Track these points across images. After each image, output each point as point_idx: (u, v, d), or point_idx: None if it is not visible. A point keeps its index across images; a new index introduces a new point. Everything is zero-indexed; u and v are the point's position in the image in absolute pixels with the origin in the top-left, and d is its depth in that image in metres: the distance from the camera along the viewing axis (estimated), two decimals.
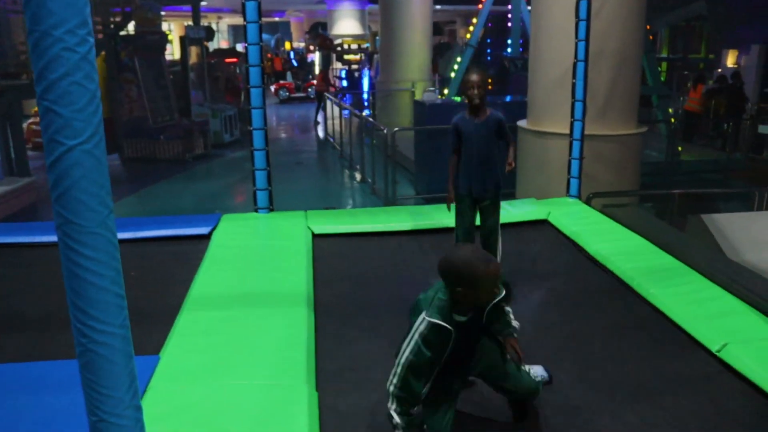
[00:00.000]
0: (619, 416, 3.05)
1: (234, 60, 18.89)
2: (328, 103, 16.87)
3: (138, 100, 14.75)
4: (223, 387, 3.07)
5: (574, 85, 6.01)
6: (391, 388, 2.63)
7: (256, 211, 5.85)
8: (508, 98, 12.57)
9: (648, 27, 13.62)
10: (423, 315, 2.57)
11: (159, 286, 4.46)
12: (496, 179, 4.37)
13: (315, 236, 5.37)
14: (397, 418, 2.64)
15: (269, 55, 33.26)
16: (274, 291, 4.21)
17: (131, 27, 15.32)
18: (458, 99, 12.89)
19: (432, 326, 2.53)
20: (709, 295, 4.06)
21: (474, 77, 4.17)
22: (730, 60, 19.79)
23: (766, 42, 18.96)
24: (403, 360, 2.58)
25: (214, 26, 36.72)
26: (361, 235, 5.45)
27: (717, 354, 3.46)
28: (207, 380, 3.14)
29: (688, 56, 26.28)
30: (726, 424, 3.02)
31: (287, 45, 40.64)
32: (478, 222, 4.55)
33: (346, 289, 4.51)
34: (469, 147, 4.26)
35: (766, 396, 3.13)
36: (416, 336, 2.56)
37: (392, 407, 2.65)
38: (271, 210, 5.86)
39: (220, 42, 40.63)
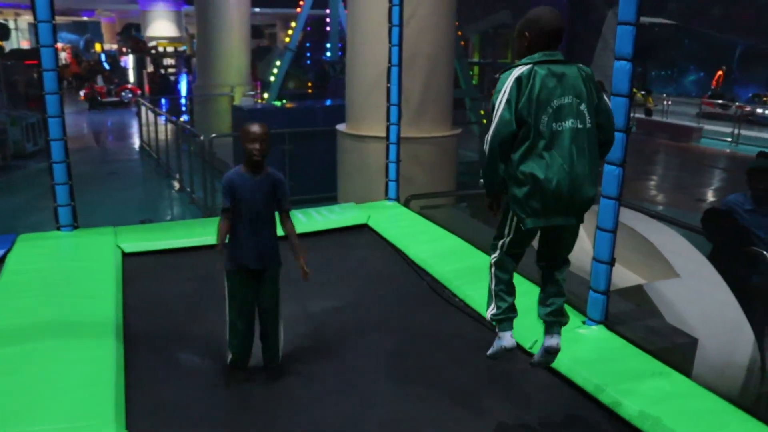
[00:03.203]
0: (439, 424, 3.07)
1: (35, 62, 17.38)
2: (143, 109, 16.01)
3: None
4: None
5: (388, 90, 6.08)
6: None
7: (58, 229, 5.31)
8: (327, 102, 12.59)
9: (459, 33, 14.25)
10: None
11: None
12: (275, 244, 3.75)
13: (125, 255, 4.97)
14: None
15: (69, 58, 31.10)
16: (77, 321, 3.78)
17: None
18: (278, 103, 12.72)
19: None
20: (520, 291, 4.20)
21: (256, 129, 3.59)
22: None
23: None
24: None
25: (11, 24, 33.75)
26: (175, 251, 5.12)
27: (530, 350, 3.58)
28: None
29: (497, 61, 27.95)
30: (541, 418, 3.13)
31: (98, 47, 38.32)
32: None
33: (160, 315, 4.16)
34: (243, 209, 3.63)
35: (573, 385, 3.29)
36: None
37: None
38: (76, 227, 5.35)
39: (21, 42, 37.42)
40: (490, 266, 2.92)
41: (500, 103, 2.62)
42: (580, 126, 2.65)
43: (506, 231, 2.84)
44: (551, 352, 2.99)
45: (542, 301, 3.04)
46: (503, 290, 2.92)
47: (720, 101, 24.13)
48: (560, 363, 3.40)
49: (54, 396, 3.03)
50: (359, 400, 3.29)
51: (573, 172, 2.63)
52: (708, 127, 20.46)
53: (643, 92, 24.73)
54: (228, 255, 3.63)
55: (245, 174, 3.65)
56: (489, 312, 2.94)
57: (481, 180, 2.77)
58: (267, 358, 3.64)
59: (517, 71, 2.63)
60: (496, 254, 2.92)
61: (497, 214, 2.83)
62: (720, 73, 28.38)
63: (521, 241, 2.85)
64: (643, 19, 3.49)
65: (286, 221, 3.72)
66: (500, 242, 2.89)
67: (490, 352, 3.04)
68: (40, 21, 4.96)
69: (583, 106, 2.67)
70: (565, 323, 3.03)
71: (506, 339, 2.96)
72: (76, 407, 2.95)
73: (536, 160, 2.61)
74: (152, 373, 3.46)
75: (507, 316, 2.94)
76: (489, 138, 2.65)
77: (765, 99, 23.61)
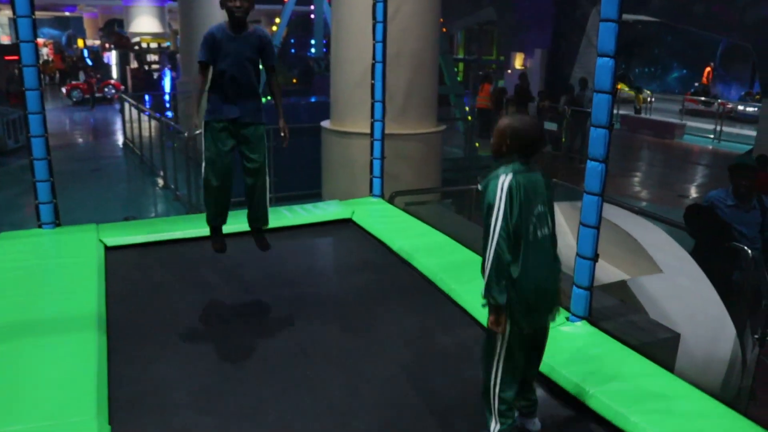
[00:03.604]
0: (422, 416, 3.07)
1: (15, 57, 17.19)
2: (127, 105, 15.87)
3: None
4: None
5: (373, 86, 6.07)
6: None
7: (39, 227, 5.26)
8: (312, 99, 12.56)
9: (444, 30, 14.25)
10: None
11: None
12: (257, 103, 3.66)
13: (108, 250, 4.94)
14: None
15: (51, 53, 30.80)
16: (59, 316, 3.76)
17: None
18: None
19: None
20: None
21: None
22: (518, 62, 21.33)
23: (547, 46, 20.67)
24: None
25: None
26: (158, 244, 5.10)
27: None
28: None
29: (482, 57, 28.04)
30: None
31: (80, 42, 37.99)
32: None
33: (142, 306, 4.16)
34: (226, 65, 3.53)
35: (560, 382, 3.30)
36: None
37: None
38: (58, 225, 5.30)
39: (0, 37, 37.00)
40: (493, 386, 2.84)
41: (500, 201, 2.63)
42: (551, 231, 2.80)
43: (499, 344, 2.80)
44: None
45: (519, 395, 3.01)
46: (507, 409, 2.87)
47: (705, 98, 24.32)
48: (543, 360, 3.42)
49: (36, 393, 3.01)
50: (343, 386, 3.30)
51: (555, 276, 2.84)
52: (691, 123, 20.61)
53: (633, 90, 24.81)
54: (208, 109, 3.54)
55: (228, 31, 3.53)
56: (494, 427, 2.86)
57: (486, 301, 2.71)
58: (255, 222, 3.58)
59: (505, 181, 2.65)
60: (497, 373, 2.83)
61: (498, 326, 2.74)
62: (709, 69, 28.32)
63: (514, 350, 2.81)
64: (626, 17, 3.51)
65: (272, 77, 3.63)
66: (495, 359, 2.82)
67: None
68: (20, 16, 4.90)
69: (549, 213, 2.80)
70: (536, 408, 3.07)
71: None
72: (59, 404, 2.93)
73: (536, 268, 2.71)
74: (135, 366, 3.45)
75: (513, 426, 2.92)
76: (495, 239, 2.62)
77: (758, 97, 23.77)
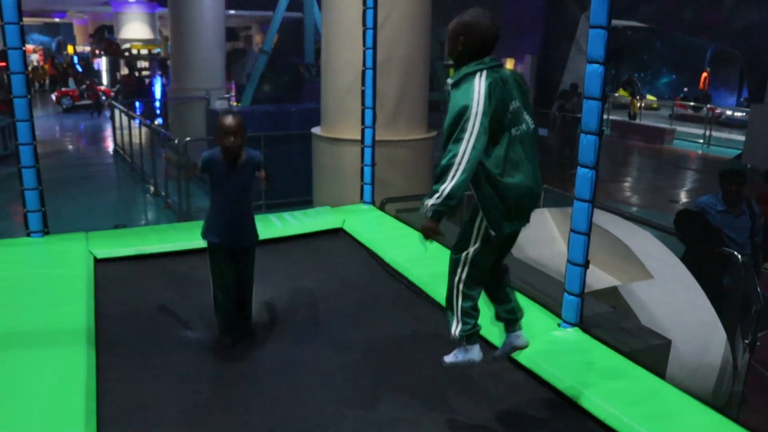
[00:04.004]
0: (417, 425, 3.06)
1: (2, 64, 17.14)
2: (117, 112, 15.81)
3: None
4: None
5: (363, 93, 6.06)
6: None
7: (28, 235, 5.22)
8: (303, 105, 12.54)
9: (435, 36, 14.27)
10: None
11: None
12: (252, 225, 3.88)
13: (97, 261, 4.90)
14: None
15: (41, 60, 30.70)
16: (48, 329, 3.72)
17: None
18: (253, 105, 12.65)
19: None
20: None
21: (230, 122, 3.57)
22: (508, 68, 21.39)
23: (537, 52, 20.77)
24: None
25: None
26: (148, 257, 5.06)
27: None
28: None
29: None
30: (517, 420, 3.13)
31: (70, 49, 37.87)
32: None
33: (132, 321, 4.10)
34: (222, 197, 3.75)
35: (548, 387, 3.30)
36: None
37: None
38: (47, 233, 5.26)
39: None
40: (456, 283, 2.82)
41: (476, 114, 2.53)
42: (528, 129, 2.73)
43: (472, 241, 2.77)
44: (520, 350, 3.03)
45: (497, 301, 3.03)
46: (471, 307, 2.86)
47: (695, 104, 24.43)
48: (536, 365, 3.42)
49: (23, 407, 2.97)
50: (333, 400, 3.28)
51: (536, 174, 2.76)
52: (680, 128, 20.72)
53: (638, 97, 24.73)
54: (208, 229, 3.76)
55: (223, 162, 3.66)
56: (455, 329, 2.85)
57: (431, 200, 2.57)
58: (243, 326, 3.79)
59: (481, 77, 2.60)
60: (464, 271, 2.81)
61: (438, 235, 2.68)
62: (705, 74, 27.71)
63: (488, 253, 2.78)
64: (616, 22, 3.52)
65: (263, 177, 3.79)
66: (464, 254, 2.80)
67: (451, 361, 2.97)
68: (7, 23, 4.86)
69: (524, 109, 2.73)
70: (521, 317, 3.05)
71: (475, 352, 2.94)
72: (46, 419, 2.90)
73: (516, 166, 2.65)
74: (124, 379, 3.41)
75: (475, 330, 2.91)
76: (466, 153, 2.52)
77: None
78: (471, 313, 2.84)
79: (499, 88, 2.59)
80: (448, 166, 2.54)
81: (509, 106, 2.64)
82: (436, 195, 2.58)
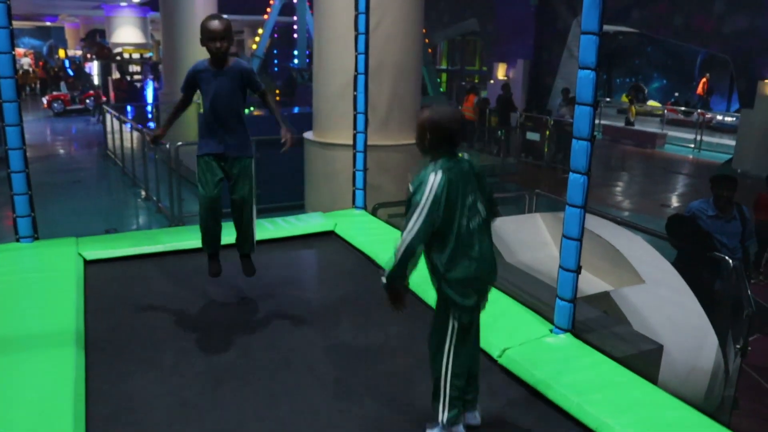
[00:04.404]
0: (410, 427, 3.05)
1: None
2: (108, 116, 15.76)
3: None
4: None
5: (355, 98, 6.06)
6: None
7: (18, 240, 5.19)
8: (295, 110, 12.53)
9: (427, 41, 14.31)
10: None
11: None
12: (244, 138, 3.81)
13: (87, 264, 4.88)
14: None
15: (32, 64, 30.59)
16: (37, 331, 3.70)
17: None
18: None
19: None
20: (489, 299, 4.22)
21: (216, 26, 3.51)
22: (501, 72, 21.47)
23: (529, 57, 20.84)
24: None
25: None
26: (138, 259, 5.04)
27: (498, 360, 3.58)
28: None
29: (465, 68, 28.19)
30: (509, 428, 3.12)
31: (61, 53, 37.76)
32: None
33: (121, 321, 4.10)
34: (209, 101, 3.65)
35: (543, 396, 3.29)
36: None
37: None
38: (36, 238, 5.23)
39: None
40: (444, 376, 2.86)
41: (426, 201, 2.68)
42: (482, 219, 2.86)
43: (449, 329, 2.85)
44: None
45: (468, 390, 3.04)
46: (459, 394, 2.90)
47: (685, 108, 24.55)
48: (527, 372, 3.41)
49: (11, 409, 2.95)
50: (326, 400, 3.28)
51: (492, 261, 2.93)
52: (672, 133, 20.81)
53: (638, 104, 24.66)
54: (198, 144, 3.73)
55: (210, 68, 3.63)
56: (443, 416, 2.88)
57: (385, 279, 2.79)
58: (240, 248, 3.79)
59: (435, 180, 2.70)
60: (449, 363, 2.86)
61: (402, 307, 2.88)
62: (704, 80, 27.28)
63: (465, 337, 2.88)
64: (607, 28, 3.52)
65: (265, 98, 3.80)
66: (446, 348, 2.86)
67: None
68: None
69: (479, 200, 2.86)
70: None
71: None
72: (34, 421, 2.88)
73: (468, 258, 2.79)
74: (114, 382, 3.39)
75: (461, 413, 2.95)
76: (410, 237, 2.69)
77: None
78: (456, 403, 2.90)
79: (452, 188, 2.72)
80: (396, 251, 2.73)
81: (466, 201, 2.78)
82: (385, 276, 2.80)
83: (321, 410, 3.20)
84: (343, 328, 4.12)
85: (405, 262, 2.72)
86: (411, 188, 2.77)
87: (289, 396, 3.30)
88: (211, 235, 3.84)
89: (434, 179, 2.70)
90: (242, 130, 3.76)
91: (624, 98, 26.33)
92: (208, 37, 3.56)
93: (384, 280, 2.80)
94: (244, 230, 3.86)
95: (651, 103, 27.44)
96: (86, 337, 3.76)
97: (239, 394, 3.32)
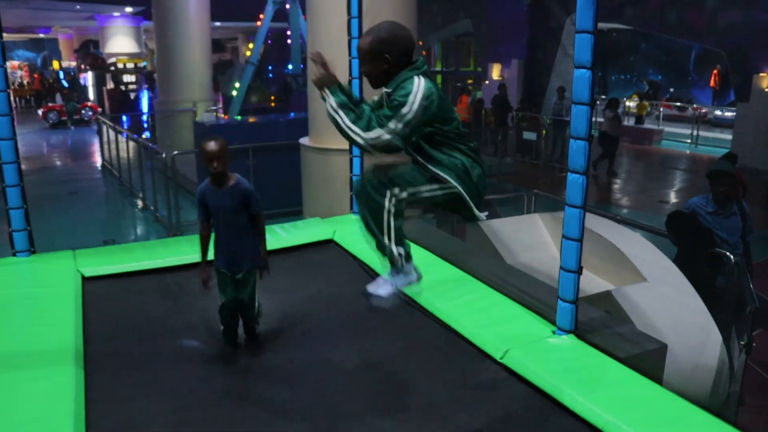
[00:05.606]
0: None
1: None
2: (104, 127, 15.73)
3: None
4: None
5: None
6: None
7: (14, 255, 5.15)
8: (291, 115, 12.52)
9: (421, 43, 14.26)
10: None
11: None
12: (249, 251, 3.90)
13: (85, 279, 4.83)
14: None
15: (26, 76, 30.58)
16: (34, 350, 3.64)
17: None
18: (239, 118, 12.61)
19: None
20: (490, 302, 4.20)
21: (211, 147, 3.63)
22: (495, 73, 21.46)
23: (523, 56, 20.83)
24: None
25: None
26: (137, 273, 5.00)
27: (501, 361, 3.56)
28: None
29: (460, 69, 28.20)
30: (512, 426, 3.10)
31: (55, 64, 37.72)
32: None
33: (121, 338, 4.03)
34: (215, 219, 3.82)
35: (545, 395, 3.27)
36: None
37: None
38: (33, 252, 5.19)
39: None
40: (387, 212, 2.89)
41: (416, 101, 2.70)
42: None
43: (426, 189, 2.92)
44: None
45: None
46: (402, 234, 2.96)
47: (680, 104, 24.54)
48: (532, 374, 3.39)
49: (9, 430, 2.90)
50: (328, 414, 3.23)
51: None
52: (668, 129, 20.81)
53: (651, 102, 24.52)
54: (214, 257, 3.85)
55: (212, 187, 3.79)
56: (397, 250, 2.94)
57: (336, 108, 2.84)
58: (247, 335, 3.98)
59: (423, 78, 2.77)
60: (394, 203, 2.89)
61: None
62: (716, 71, 26.32)
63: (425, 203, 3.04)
64: (601, 25, 3.50)
65: (257, 222, 3.87)
66: (405, 193, 2.90)
67: (390, 290, 3.05)
68: None
69: None
70: None
71: (413, 272, 3.05)
72: None
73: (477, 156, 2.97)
74: (113, 401, 3.34)
75: (409, 250, 3.01)
76: (389, 135, 2.72)
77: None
78: (403, 237, 2.95)
79: (438, 91, 2.78)
80: (368, 126, 2.75)
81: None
82: (342, 116, 2.83)
83: (322, 424, 3.15)
84: (343, 341, 4.08)
85: (365, 139, 2.75)
86: (390, 90, 2.81)
87: (290, 410, 3.26)
88: (230, 328, 3.98)
89: (419, 81, 2.72)
90: (248, 243, 3.88)
91: (634, 96, 26.20)
92: (204, 158, 3.71)
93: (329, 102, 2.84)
94: (249, 321, 4.02)
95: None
96: (85, 356, 3.70)
97: (240, 409, 3.28)
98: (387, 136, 2.71)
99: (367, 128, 2.74)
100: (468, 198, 2.95)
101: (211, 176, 3.77)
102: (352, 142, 2.83)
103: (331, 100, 2.83)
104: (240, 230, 3.84)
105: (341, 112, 2.80)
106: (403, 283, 3.04)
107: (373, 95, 2.99)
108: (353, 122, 2.77)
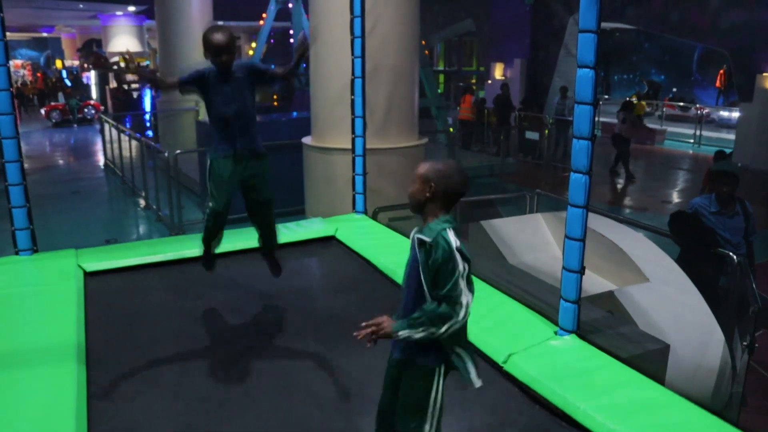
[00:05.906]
0: None
1: None
2: (107, 126, 15.73)
3: None
4: None
5: (353, 101, 6.03)
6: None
7: (16, 253, 5.16)
8: (294, 114, 12.51)
9: (423, 42, 14.28)
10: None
11: None
12: (256, 136, 3.79)
13: (87, 276, 4.84)
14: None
15: (29, 75, 30.62)
16: (37, 347, 3.67)
17: None
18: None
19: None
20: (492, 302, 4.19)
21: (219, 39, 3.45)
22: (498, 72, 21.44)
23: (525, 56, 20.80)
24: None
25: None
26: (139, 270, 5.01)
27: (503, 362, 3.55)
28: None
29: (462, 69, 28.18)
30: (512, 428, 3.10)
31: (58, 63, 37.74)
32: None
33: (123, 335, 4.06)
34: (221, 106, 3.64)
35: (550, 399, 3.25)
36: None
37: None
38: (35, 251, 5.20)
39: None
40: None
41: (464, 268, 2.46)
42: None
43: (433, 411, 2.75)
44: None
45: None
46: None
47: (683, 104, 24.48)
48: (534, 376, 3.38)
49: (11, 429, 2.91)
50: (331, 414, 3.24)
51: None
52: (671, 129, 20.76)
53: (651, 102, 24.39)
54: (212, 147, 3.71)
55: (218, 76, 3.59)
56: None
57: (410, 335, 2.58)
58: (269, 245, 3.84)
59: (455, 239, 2.49)
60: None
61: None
62: (722, 71, 25.37)
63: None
64: (604, 25, 3.49)
65: (277, 77, 3.73)
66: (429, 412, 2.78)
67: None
68: None
69: None
70: None
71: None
72: None
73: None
74: (115, 399, 3.36)
75: None
76: (463, 313, 2.48)
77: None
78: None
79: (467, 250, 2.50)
80: (442, 318, 2.48)
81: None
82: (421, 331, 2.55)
83: (325, 426, 3.15)
84: (345, 340, 4.06)
85: (462, 318, 2.47)
86: (422, 241, 2.55)
87: (293, 414, 3.25)
88: (214, 237, 3.90)
89: (454, 239, 2.45)
90: (255, 132, 3.75)
91: (633, 97, 26.13)
92: (213, 51, 3.51)
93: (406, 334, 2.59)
94: (270, 228, 3.86)
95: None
96: (87, 354, 3.72)
97: (243, 411, 3.28)
98: (464, 301, 2.46)
99: (450, 313, 2.48)
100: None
101: (218, 68, 3.56)
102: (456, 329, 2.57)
103: (409, 337, 2.61)
104: (251, 116, 3.70)
105: (423, 332, 2.55)
106: None
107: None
108: (436, 325, 2.51)
